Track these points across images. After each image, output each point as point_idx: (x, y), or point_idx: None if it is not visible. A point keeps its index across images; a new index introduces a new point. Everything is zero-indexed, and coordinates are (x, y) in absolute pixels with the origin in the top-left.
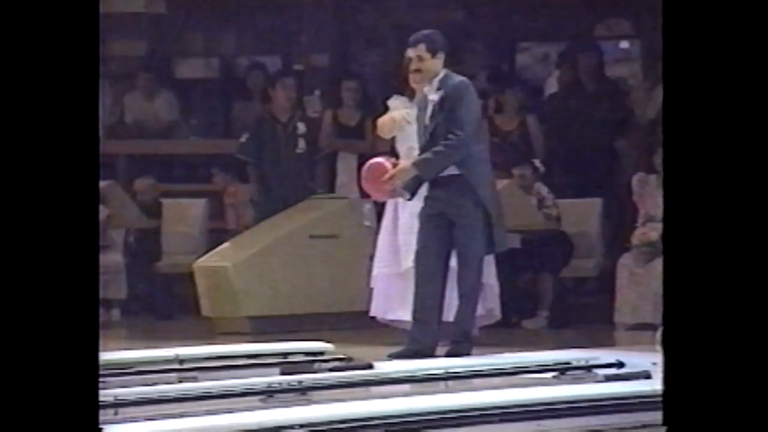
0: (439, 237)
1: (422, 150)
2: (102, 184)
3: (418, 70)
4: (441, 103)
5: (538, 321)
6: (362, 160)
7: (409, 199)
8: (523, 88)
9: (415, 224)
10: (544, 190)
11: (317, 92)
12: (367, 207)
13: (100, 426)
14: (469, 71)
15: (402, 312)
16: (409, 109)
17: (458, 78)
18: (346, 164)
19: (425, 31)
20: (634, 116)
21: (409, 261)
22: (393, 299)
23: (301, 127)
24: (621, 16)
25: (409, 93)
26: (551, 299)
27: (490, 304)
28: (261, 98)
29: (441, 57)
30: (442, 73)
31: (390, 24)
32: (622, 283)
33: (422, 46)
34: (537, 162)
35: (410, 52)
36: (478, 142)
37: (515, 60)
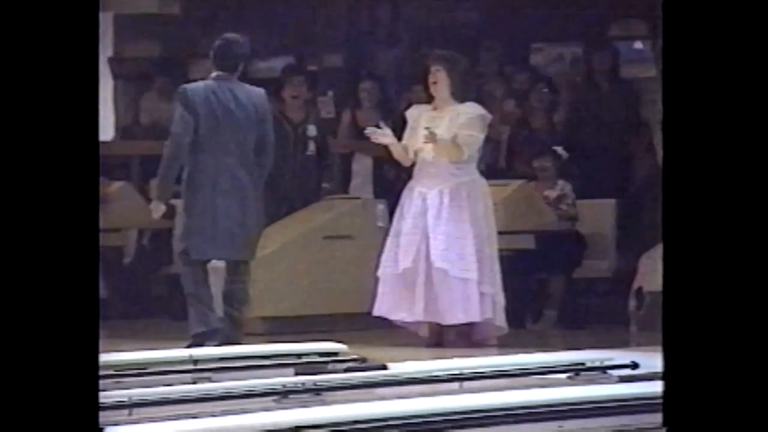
0: None
1: None
2: (116, 185)
3: None
4: None
5: (546, 321)
6: (377, 162)
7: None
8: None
9: (419, 225)
10: (567, 187)
11: (330, 93)
12: (381, 207)
13: (112, 426)
14: (483, 70)
15: (403, 313)
16: (425, 114)
17: None
18: (361, 165)
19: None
20: (648, 117)
21: (407, 261)
22: (396, 300)
23: (312, 130)
24: (636, 16)
25: (428, 101)
26: (562, 299)
27: (488, 315)
28: (273, 98)
29: None
30: None
31: (404, 24)
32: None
33: None
34: (560, 149)
35: None
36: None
37: (529, 60)
